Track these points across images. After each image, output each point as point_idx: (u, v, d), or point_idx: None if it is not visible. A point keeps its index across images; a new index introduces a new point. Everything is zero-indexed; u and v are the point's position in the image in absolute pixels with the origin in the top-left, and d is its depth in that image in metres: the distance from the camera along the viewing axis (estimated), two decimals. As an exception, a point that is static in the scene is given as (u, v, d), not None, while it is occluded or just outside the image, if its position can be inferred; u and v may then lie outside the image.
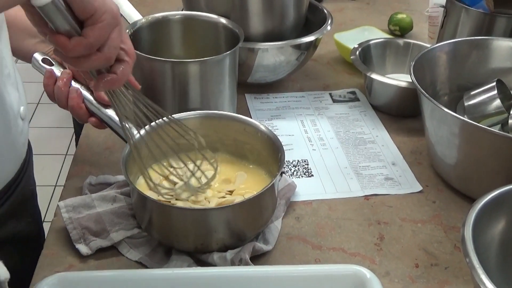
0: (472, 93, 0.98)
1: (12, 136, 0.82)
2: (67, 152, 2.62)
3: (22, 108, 0.85)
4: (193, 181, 0.80)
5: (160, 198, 0.79)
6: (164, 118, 0.77)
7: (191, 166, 0.80)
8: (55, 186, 2.36)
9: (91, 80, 0.66)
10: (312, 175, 0.94)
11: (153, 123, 0.77)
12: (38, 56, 0.87)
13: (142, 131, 0.79)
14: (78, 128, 1.82)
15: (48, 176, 2.38)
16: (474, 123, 0.81)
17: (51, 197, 2.23)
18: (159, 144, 0.78)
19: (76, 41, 0.56)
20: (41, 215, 1.02)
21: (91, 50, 0.58)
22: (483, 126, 0.80)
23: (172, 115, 0.79)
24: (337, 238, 0.82)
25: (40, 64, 0.87)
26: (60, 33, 0.56)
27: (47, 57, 0.87)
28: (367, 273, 0.68)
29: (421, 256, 0.79)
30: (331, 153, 0.99)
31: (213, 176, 0.81)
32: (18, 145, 0.84)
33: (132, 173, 0.82)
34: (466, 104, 0.97)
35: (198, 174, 0.80)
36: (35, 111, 2.77)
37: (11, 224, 0.87)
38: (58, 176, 2.45)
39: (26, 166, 0.91)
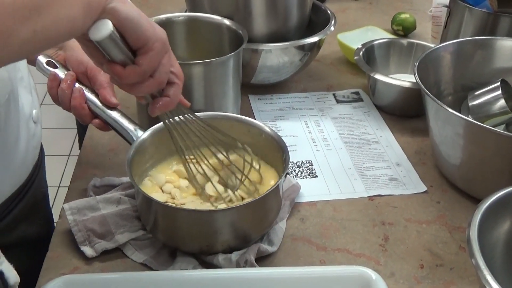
0: (476, 93, 0.97)
1: (25, 139, 0.83)
2: (70, 153, 2.63)
3: (34, 111, 0.85)
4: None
5: (171, 201, 0.79)
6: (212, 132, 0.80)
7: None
8: (59, 187, 2.37)
9: (144, 103, 0.70)
10: (316, 176, 0.94)
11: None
12: (42, 59, 0.87)
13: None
14: (81, 129, 1.82)
15: (52, 177, 2.38)
16: (479, 123, 0.81)
17: (55, 198, 2.23)
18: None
19: (130, 70, 0.60)
20: (53, 217, 1.03)
21: (144, 77, 0.62)
22: (487, 126, 0.80)
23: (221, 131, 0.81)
24: (341, 239, 0.82)
25: (44, 66, 0.87)
26: (116, 63, 0.60)
27: (51, 60, 0.87)
28: (372, 274, 0.68)
29: (426, 257, 0.79)
30: (335, 154, 0.99)
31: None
32: (30, 148, 0.85)
33: (137, 174, 0.82)
34: (470, 104, 0.97)
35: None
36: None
37: (23, 227, 0.87)
38: (62, 177, 2.45)
39: (39, 168, 0.92)
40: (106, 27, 0.56)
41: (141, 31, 0.58)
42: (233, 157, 0.83)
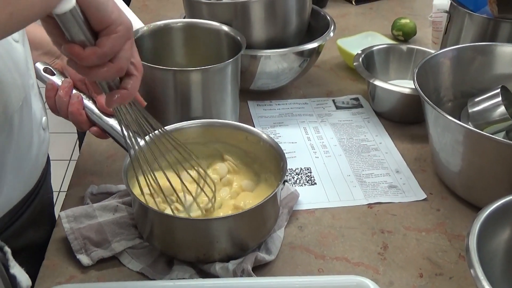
0: (476, 99, 0.97)
1: (36, 145, 0.83)
2: (70, 157, 2.62)
3: (44, 118, 0.86)
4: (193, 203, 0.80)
5: (162, 207, 0.79)
6: (164, 134, 0.78)
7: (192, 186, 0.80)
8: (59, 191, 2.36)
9: (99, 94, 0.68)
10: (315, 183, 0.93)
11: (153, 137, 0.78)
12: (39, 66, 0.87)
13: (143, 144, 0.79)
14: (81, 134, 1.82)
15: (52, 182, 2.38)
16: (478, 131, 0.81)
17: (55, 203, 2.23)
18: (159, 157, 0.79)
19: (90, 50, 0.58)
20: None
21: (104, 60, 0.60)
22: (487, 134, 0.79)
23: (170, 134, 0.79)
24: (340, 247, 0.81)
25: (41, 73, 0.87)
26: (75, 43, 0.58)
27: (48, 67, 0.87)
28: (370, 284, 0.67)
29: (426, 266, 0.78)
30: (334, 161, 0.98)
31: (213, 197, 0.81)
32: (40, 154, 0.85)
33: (134, 183, 0.81)
34: (470, 110, 0.96)
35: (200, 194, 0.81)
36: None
37: (30, 233, 0.87)
38: (62, 182, 2.45)
39: (45, 174, 0.92)
40: (69, 2, 0.54)
41: (105, 12, 0.57)
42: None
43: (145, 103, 0.76)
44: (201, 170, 0.81)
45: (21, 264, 0.64)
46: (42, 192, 0.90)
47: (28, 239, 0.87)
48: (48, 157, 0.93)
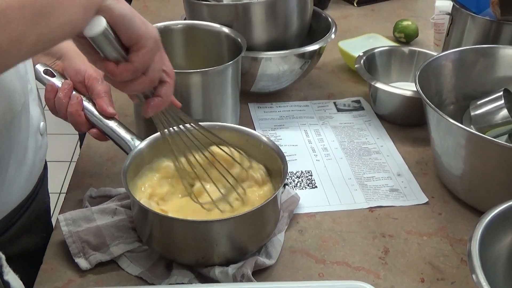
0: (479, 102, 0.96)
1: (32, 151, 0.83)
2: (71, 159, 2.62)
3: (42, 123, 0.85)
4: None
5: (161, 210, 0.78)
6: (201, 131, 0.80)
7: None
8: (59, 193, 2.36)
9: (136, 102, 0.73)
10: (316, 187, 0.92)
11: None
12: (40, 67, 0.86)
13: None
14: (82, 135, 1.81)
15: (53, 184, 2.38)
16: (480, 134, 0.80)
17: (55, 204, 2.22)
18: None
19: (123, 67, 0.61)
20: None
21: (137, 74, 0.63)
22: (489, 138, 0.79)
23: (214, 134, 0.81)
24: (341, 251, 0.80)
25: (42, 75, 0.86)
26: (109, 60, 0.61)
27: (48, 68, 0.86)
28: (371, 289, 0.66)
29: (427, 270, 0.78)
30: (335, 164, 0.98)
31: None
32: (37, 160, 0.85)
33: (134, 186, 0.81)
34: (472, 113, 0.95)
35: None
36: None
37: (25, 239, 0.87)
38: (63, 183, 2.44)
39: (42, 180, 0.91)
40: (100, 24, 0.57)
41: (134, 29, 0.59)
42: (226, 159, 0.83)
43: (180, 104, 0.78)
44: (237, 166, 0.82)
45: (16, 270, 0.64)
46: (39, 198, 0.90)
47: (24, 245, 0.86)
48: (45, 162, 0.93)
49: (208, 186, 0.81)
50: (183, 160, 0.80)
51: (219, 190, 0.80)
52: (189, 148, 0.80)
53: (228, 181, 0.80)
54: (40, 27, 0.50)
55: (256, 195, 0.81)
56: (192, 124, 0.78)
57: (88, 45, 0.61)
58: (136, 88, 0.64)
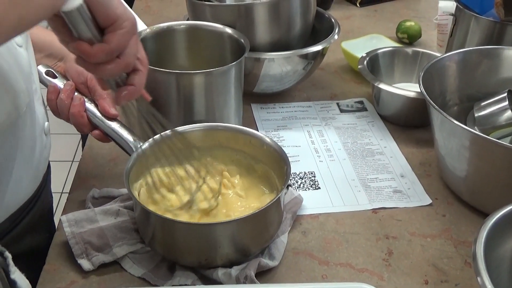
0: (483, 103, 0.96)
1: (38, 151, 0.83)
2: (73, 159, 2.62)
3: (46, 123, 0.85)
4: (198, 197, 0.79)
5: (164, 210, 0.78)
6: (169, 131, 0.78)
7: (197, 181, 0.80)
8: (61, 193, 2.36)
9: (106, 90, 0.69)
10: (319, 188, 0.92)
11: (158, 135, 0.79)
12: (41, 69, 0.86)
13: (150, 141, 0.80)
14: (84, 135, 1.81)
15: (55, 184, 2.38)
16: (484, 135, 0.80)
17: (57, 204, 2.22)
18: (165, 154, 0.80)
19: (98, 47, 0.59)
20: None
21: (112, 56, 0.60)
22: (493, 139, 0.78)
23: (177, 129, 0.79)
24: (344, 253, 0.80)
25: (43, 76, 0.86)
26: (83, 40, 0.59)
27: (50, 69, 0.86)
28: (375, 291, 0.66)
29: (431, 272, 0.77)
30: (338, 165, 0.97)
31: (218, 192, 0.80)
32: (41, 160, 0.85)
33: (136, 187, 0.81)
34: (476, 115, 0.95)
35: (205, 188, 0.80)
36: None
37: (29, 238, 0.87)
38: (65, 183, 2.44)
39: (46, 180, 0.91)
40: (76, 0, 0.55)
41: (111, 9, 0.58)
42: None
43: (150, 98, 0.76)
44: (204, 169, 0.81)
45: (21, 269, 0.64)
46: (43, 197, 0.90)
47: (28, 244, 0.86)
48: (49, 162, 0.93)
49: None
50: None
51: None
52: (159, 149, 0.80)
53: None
54: (21, 9, 0.49)
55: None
56: (159, 120, 0.77)
57: (61, 23, 0.59)
58: (110, 72, 0.62)
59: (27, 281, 0.64)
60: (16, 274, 0.63)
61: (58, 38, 0.61)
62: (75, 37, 0.59)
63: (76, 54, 0.61)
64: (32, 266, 0.83)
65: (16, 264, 0.65)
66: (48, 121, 0.87)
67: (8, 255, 0.64)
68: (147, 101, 0.75)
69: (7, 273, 0.64)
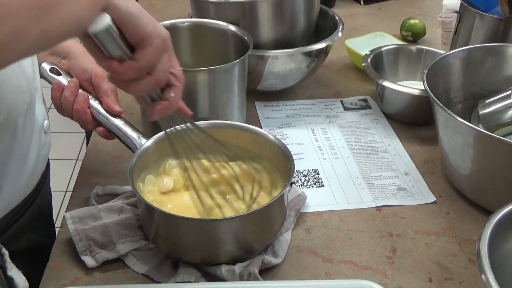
0: (487, 101, 0.95)
1: (36, 149, 0.83)
2: (77, 157, 2.62)
3: (46, 122, 0.85)
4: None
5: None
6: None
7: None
8: (66, 191, 2.37)
9: (144, 106, 0.69)
10: (323, 185, 0.92)
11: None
12: (46, 66, 0.87)
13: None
14: (89, 133, 1.82)
15: (59, 182, 2.39)
16: (489, 133, 0.79)
17: (62, 202, 2.23)
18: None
19: (127, 65, 0.59)
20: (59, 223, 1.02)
21: (142, 74, 0.60)
22: (498, 137, 0.78)
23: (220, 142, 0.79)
24: (348, 250, 0.80)
25: (48, 73, 0.86)
26: (113, 59, 0.58)
27: (54, 67, 0.86)
28: (378, 288, 0.66)
29: (435, 270, 0.77)
30: (342, 163, 0.97)
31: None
32: (40, 158, 0.85)
33: (139, 183, 0.81)
34: (480, 112, 0.95)
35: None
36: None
37: (27, 236, 0.87)
38: (69, 181, 2.45)
39: (45, 178, 0.91)
40: (103, 20, 0.55)
41: (140, 26, 0.57)
42: (237, 169, 0.82)
43: (191, 113, 0.75)
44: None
45: (19, 267, 0.64)
46: (41, 195, 0.90)
47: (26, 242, 0.87)
48: (48, 160, 0.93)
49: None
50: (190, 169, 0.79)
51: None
52: (195, 157, 0.80)
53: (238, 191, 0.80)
54: (44, 22, 0.49)
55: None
56: (200, 133, 0.77)
57: (93, 44, 0.59)
58: (140, 89, 0.62)
59: (24, 278, 0.64)
60: (13, 271, 0.63)
61: (94, 59, 0.61)
62: (106, 56, 0.59)
63: (108, 72, 0.61)
64: (32, 263, 0.84)
65: (14, 261, 0.65)
66: (48, 119, 0.87)
67: (5, 252, 0.64)
68: (188, 115, 0.74)
69: (4, 270, 0.64)
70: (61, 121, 0.96)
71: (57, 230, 0.86)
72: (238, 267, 0.73)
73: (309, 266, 0.78)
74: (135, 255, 0.78)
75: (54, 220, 1.06)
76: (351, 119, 1.09)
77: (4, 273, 0.63)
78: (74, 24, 0.52)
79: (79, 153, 2.65)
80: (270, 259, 0.76)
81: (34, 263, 0.85)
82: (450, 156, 0.88)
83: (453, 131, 0.84)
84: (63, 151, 2.58)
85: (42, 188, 0.91)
